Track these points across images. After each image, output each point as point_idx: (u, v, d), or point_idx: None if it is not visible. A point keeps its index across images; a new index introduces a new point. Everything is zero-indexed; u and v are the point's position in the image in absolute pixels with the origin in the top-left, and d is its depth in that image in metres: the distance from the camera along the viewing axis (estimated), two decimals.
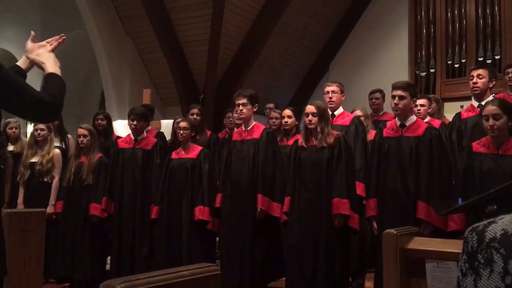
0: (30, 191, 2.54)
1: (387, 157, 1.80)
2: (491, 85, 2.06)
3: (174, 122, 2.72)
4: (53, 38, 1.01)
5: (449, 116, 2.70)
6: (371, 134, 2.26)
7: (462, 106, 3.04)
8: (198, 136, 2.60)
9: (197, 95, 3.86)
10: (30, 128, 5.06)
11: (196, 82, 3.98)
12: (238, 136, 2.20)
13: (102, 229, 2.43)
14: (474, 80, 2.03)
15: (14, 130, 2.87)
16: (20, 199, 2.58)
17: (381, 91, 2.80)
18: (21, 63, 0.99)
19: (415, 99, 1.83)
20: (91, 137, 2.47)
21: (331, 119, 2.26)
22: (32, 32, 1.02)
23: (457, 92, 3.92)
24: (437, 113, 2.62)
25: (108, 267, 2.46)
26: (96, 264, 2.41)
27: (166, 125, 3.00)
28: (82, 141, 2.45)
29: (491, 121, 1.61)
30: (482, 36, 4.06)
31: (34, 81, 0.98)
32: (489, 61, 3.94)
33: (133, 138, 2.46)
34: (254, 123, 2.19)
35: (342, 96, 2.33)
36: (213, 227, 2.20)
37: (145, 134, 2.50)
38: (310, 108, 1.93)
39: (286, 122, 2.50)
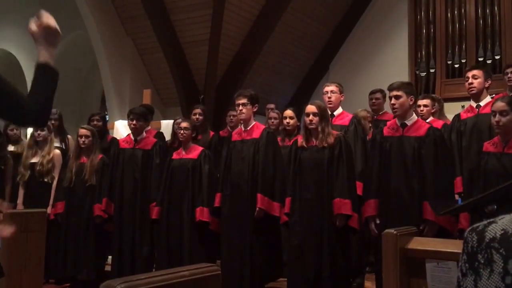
0: (30, 191, 2.54)
1: (388, 157, 1.80)
2: (486, 85, 2.08)
3: (174, 122, 2.72)
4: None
5: (448, 116, 2.70)
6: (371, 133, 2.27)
7: (463, 106, 3.05)
8: (200, 136, 2.59)
9: (197, 95, 3.86)
10: (30, 128, 5.04)
11: (196, 82, 3.97)
12: (238, 136, 2.20)
13: (104, 229, 2.42)
14: (470, 81, 2.05)
15: (14, 131, 2.88)
16: (19, 200, 2.58)
17: (381, 91, 2.80)
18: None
19: (412, 97, 1.82)
20: (93, 138, 2.47)
21: (330, 119, 2.29)
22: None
23: (457, 92, 3.92)
24: (439, 113, 2.63)
25: (108, 267, 2.46)
26: (99, 264, 2.42)
27: (166, 126, 3.00)
28: (84, 141, 2.44)
29: (497, 117, 1.62)
30: (482, 36, 4.06)
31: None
32: (489, 61, 3.95)
33: (133, 138, 2.46)
34: (254, 123, 2.19)
35: (341, 96, 2.33)
36: (215, 227, 2.20)
37: (144, 134, 2.49)
38: (310, 108, 1.93)
39: (288, 122, 2.49)
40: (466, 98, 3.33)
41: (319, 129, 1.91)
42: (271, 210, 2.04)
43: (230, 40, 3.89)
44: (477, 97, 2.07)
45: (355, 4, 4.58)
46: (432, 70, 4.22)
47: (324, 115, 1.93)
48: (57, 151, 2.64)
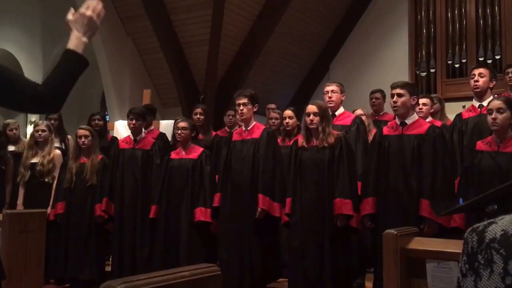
0: (31, 191, 2.53)
1: (387, 155, 1.79)
2: (491, 85, 2.07)
3: (174, 122, 2.73)
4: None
5: (449, 116, 2.69)
6: (372, 134, 2.26)
7: (464, 106, 3.04)
8: (202, 136, 2.58)
9: (197, 96, 3.87)
10: (30, 128, 5.05)
11: (196, 82, 3.97)
12: (238, 136, 2.19)
13: (105, 229, 2.42)
14: (476, 78, 2.04)
15: (14, 131, 2.87)
16: (19, 200, 2.58)
17: (381, 91, 2.80)
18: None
19: (414, 97, 1.83)
20: (92, 138, 2.46)
21: (331, 118, 2.28)
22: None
23: (458, 92, 3.92)
24: (440, 113, 2.62)
25: (109, 267, 2.46)
26: (101, 264, 2.42)
27: (165, 126, 2.99)
28: (83, 142, 2.44)
29: (493, 114, 1.63)
30: (482, 36, 4.06)
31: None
32: (489, 61, 3.94)
33: (132, 138, 2.46)
34: (254, 123, 2.19)
35: (342, 96, 2.32)
36: (215, 228, 2.20)
37: (143, 134, 2.49)
38: (311, 108, 1.93)
39: (287, 122, 2.49)
40: (467, 98, 3.33)
41: (320, 129, 1.91)
42: (272, 211, 2.03)
43: (230, 40, 3.88)
44: (480, 96, 2.06)
45: (355, 4, 4.57)
46: (432, 70, 4.21)
47: (324, 115, 1.93)
48: (58, 151, 2.64)
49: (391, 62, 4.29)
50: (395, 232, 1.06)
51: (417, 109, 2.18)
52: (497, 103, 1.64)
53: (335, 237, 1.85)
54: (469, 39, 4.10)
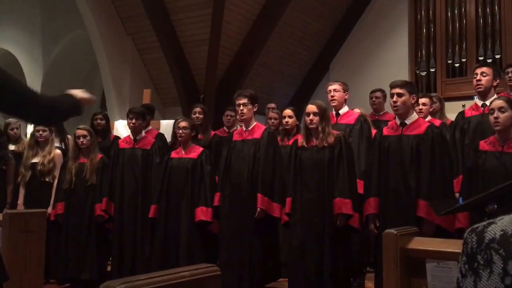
0: (31, 191, 2.53)
1: (387, 155, 1.79)
2: (495, 84, 2.05)
3: (175, 122, 2.73)
4: None
5: (449, 115, 2.69)
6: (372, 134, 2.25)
7: (464, 106, 3.04)
8: (201, 136, 2.58)
9: (197, 95, 3.86)
10: (30, 128, 5.05)
11: (196, 82, 3.97)
12: (239, 136, 2.19)
13: (105, 229, 2.43)
14: (478, 77, 2.02)
15: (15, 130, 2.87)
16: (20, 200, 2.58)
17: (382, 91, 2.79)
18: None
19: (414, 96, 1.82)
20: (91, 137, 2.46)
21: (335, 118, 2.25)
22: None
23: (458, 92, 3.92)
24: (440, 112, 2.62)
25: (109, 267, 2.46)
26: (101, 264, 2.42)
27: (165, 126, 2.99)
28: (82, 141, 2.44)
29: (495, 114, 1.63)
30: (482, 36, 4.05)
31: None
32: (489, 61, 3.92)
33: (132, 138, 2.46)
34: (255, 123, 2.18)
35: (346, 95, 2.31)
36: (215, 228, 2.19)
37: (143, 133, 2.49)
38: (311, 108, 1.92)
39: (287, 122, 2.49)
40: (467, 97, 3.33)
41: (320, 129, 1.91)
42: (270, 211, 2.03)
43: (230, 40, 3.88)
44: (484, 95, 2.04)
45: (355, 4, 4.56)
46: (432, 70, 4.20)
47: (324, 115, 1.93)
48: (58, 151, 2.64)
49: (391, 62, 4.29)
50: (395, 232, 1.06)
51: (417, 108, 2.17)
52: (499, 102, 1.64)
53: (334, 237, 1.85)
54: (469, 39, 4.09)
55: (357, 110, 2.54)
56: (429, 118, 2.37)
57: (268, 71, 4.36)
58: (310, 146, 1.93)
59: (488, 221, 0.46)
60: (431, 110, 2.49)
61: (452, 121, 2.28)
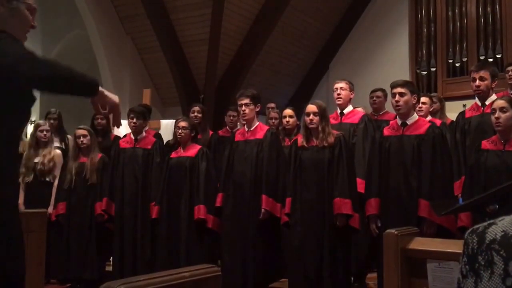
0: (32, 191, 2.53)
1: (388, 156, 1.79)
2: (493, 85, 2.05)
3: (176, 122, 2.73)
4: None
5: (450, 115, 2.69)
6: None
7: (464, 105, 3.03)
8: (200, 135, 2.58)
9: (197, 95, 3.86)
10: (30, 128, 5.04)
11: (196, 81, 3.97)
12: (241, 137, 2.19)
13: (106, 228, 2.43)
14: (477, 83, 2.02)
15: None
16: (20, 200, 2.58)
17: (383, 90, 2.78)
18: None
19: (415, 95, 1.82)
20: (91, 137, 2.47)
21: (340, 117, 2.24)
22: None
23: (459, 91, 3.91)
24: (440, 112, 2.62)
25: (110, 267, 2.46)
26: (102, 264, 2.42)
27: (166, 125, 2.99)
28: (82, 141, 2.44)
29: (497, 114, 1.64)
30: (483, 35, 4.04)
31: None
32: (490, 60, 3.92)
33: (133, 137, 2.46)
34: (257, 123, 2.18)
35: (351, 94, 2.30)
36: (213, 225, 2.19)
37: (144, 133, 2.50)
38: (311, 108, 1.93)
39: (287, 122, 2.49)
40: (468, 97, 3.32)
41: (320, 128, 1.91)
42: (275, 211, 2.03)
43: (230, 40, 3.87)
44: (483, 97, 2.05)
45: (355, 3, 4.56)
46: (433, 69, 4.20)
47: (324, 114, 1.93)
48: (58, 151, 2.65)
49: (391, 61, 4.28)
50: (396, 232, 1.05)
51: (416, 108, 2.19)
52: (500, 102, 1.65)
53: (334, 237, 1.85)
54: (469, 38, 4.08)
55: (359, 109, 2.54)
56: (429, 118, 2.38)
57: (268, 70, 4.36)
58: (310, 146, 1.94)
59: (488, 222, 0.46)
60: (431, 109, 2.50)
61: (453, 121, 2.28)
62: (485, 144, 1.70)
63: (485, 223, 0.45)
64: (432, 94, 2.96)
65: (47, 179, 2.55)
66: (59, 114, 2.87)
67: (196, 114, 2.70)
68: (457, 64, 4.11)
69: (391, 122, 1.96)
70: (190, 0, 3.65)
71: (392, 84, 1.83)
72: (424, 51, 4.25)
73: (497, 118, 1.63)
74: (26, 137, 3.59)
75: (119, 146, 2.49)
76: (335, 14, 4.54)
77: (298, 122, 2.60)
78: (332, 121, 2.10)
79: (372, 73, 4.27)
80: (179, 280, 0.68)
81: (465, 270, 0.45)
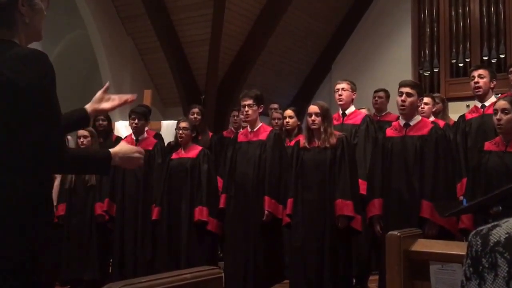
0: None
1: (390, 156, 1.79)
2: (492, 85, 2.06)
3: (177, 123, 2.72)
4: (125, 96, 1.00)
5: (453, 116, 2.67)
6: None
7: (468, 106, 3.01)
8: (200, 137, 2.60)
9: (198, 96, 3.85)
10: None
11: (197, 82, 3.96)
12: (244, 137, 2.19)
13: (106, 229, 2.43)
14: (476, 80, 2.03)
15: None
16: None
17: (385, 91, 2.78)
18: (88, 106, 0.98)
19: (421, 98, 1.82)
20: (92, 138, 2.47)
21: (341, 118, 2.24)
22: (107, 83, 1.02)
23: (462, 92, 3.88)
24: (442, 113, 2.61)
25: (111, 268, 2.46)
26: (102, 265, 2.42)
27: (167, 126, 2.99)
28: (82, 142, 2.45)
29: (499, 115, 1.63)
30: (487, 35, 4.03)
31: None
32: (493, 60, 3.91)
33: (134, 138, 2.47)
34: (260, 124, 2.18)
35: (353, 94, 2.30)
36: (213, 228, 2.19)
37: (145, 134, 2.50)
38: (313, 108, 1.92)
39: (287, 122, 2.50)
40: (471, 98, 3.28)
41: (322, 129, 1.90)
42: (277, 213, 2.03)
43: (231, 40, 3.87)
44: (482, 97, 2.05)
45: (357, 3, 4.54)
46: (436, 70, 4.19)
47: (326, 115, 1.92)
48: None
49: (394, 62, 4.26)
50: (398, 234, 1.04)
51: (419, 108, 2.17)
52: (502, 103, 1.64)
53: (336, 238, 1.85)
54: (473, 38, 4.07)
55: (364, 110, 2.53)
56: (432, 118, 2.37)
57: (270, 71, 4.34)
58: (312, 147, 1.93)
59: (492, 224, 0.46)
60: (433, 110, 2.48)
61: (454, 123, 2.28)
62: (488, 145, 1.70)
63: (489, 225, 0.45)
64: (435, 95, 2.95)
65: None
66: None
67: (195, 115, 2.71)
68: (460, 65, 4.09)
69: (393, 123, 1.95)
70: (191, 0, 3.64)
71: (402, 83, 1.81)
72: (427, 52, 4.23)
73: (498, 120, 1.62)
74: None
75: None
76: (337, 14, 4.52)
77: (298, 123, 2.59)
78: (334, 122, 2.10)
79: (375, 73, 4.25)
80: (180, 282, 0.68)
81: (469, 272, 0.45)
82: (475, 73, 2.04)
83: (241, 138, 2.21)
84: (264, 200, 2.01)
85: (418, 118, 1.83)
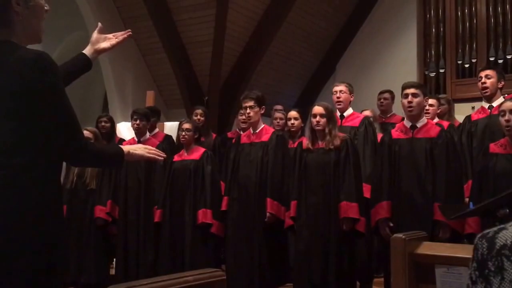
0: None
1: (398, 159, 1.77)
2: (500, 86, 2.05)
3: (179, 124, 2.73)
4: (120, 32, 1.02)
5: (458, 117, 2.64)
6: (378, 137, 2.22)
7: (473, 107, 2.99)
8: (203, 138, 2.59)
9: (201, 97, 3.82)
10: None
11: (200, 83, 3.93)
12: (247, 139, 2.18)
13: (107, 232, 2.42)
14: (483, 80, 2.03)
15: None
16: None
17: (390, 92, 2.77)
18: (87, 51, 1.00)
19: (427, 98, 1.82)
20: (95, 140, 2.47)
21: (340, 120, 2.24)
22: (100, 24, 1.04)
23: (468, 93, 3.84)
24: (448, 114, 2.58)
25: (113, 271, 2.46)
26: (101, 267, 2.41)
27: (170, 128, 3.00)
28: None
29: (507, 116, 1.60)
30: (493, 35, 3.97)
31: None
32: (500, 61, 3.87)
33: (136, 140, 2.46)
34: (262, 125, 2.17)
35: (351, 97, 2.30)
36: (217, 230, 2.18)
37: (148, 135, 2.49)
38: (318, 109, 1.91)
39: (293, 124, 2.48)
40: (477, 99, 3.25)
41: (326, 131, 1.89)
42: (280, 215, 2.01)
43: (235, 41, 3.85)
44: (490, 98, 2.05)
45: (362, 3, 4.51)
46: (441, 70, 4.13)
47: (331, 116, 1.91)
48: None
49: (399, 62, 4.22)
50: (403, 237, 1.03)
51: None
52: (510, 104, 1.62)
53: (340, 241, 1.83)
54: (479, 39, 4.01)
55: (367, 112, 2.52)
56: (436, 120, 2.35)
57: (273, 72, 4.32)
58: (316, 149, 1.92)
59: (499, 227, 0.45)
60: (438, 111, 2.46)
61: (459, 125, 2.26)
62: (494, 147, 1.67)
63: (495, 228, 0.45)
64: (441, 96, 2.93)
65: None
66: None
67: (199, 117, 2.69)
68: (467, 65, 4.04)
69: (397, 124, 1.94)
70: (194, 0, 3.61)
71: (405, 85, 1.80)
72: (433, 52, 4.18)
73: (507, 121, 1.59)
74: None
75: None
76: (341, 14, 4.49)
77: (302, 125, 2.58)
78: None
79: (380, 74, 4.22)
80: (183, 284, 0.68)
81: (475, 276, 0.44)
82: (482, 74, 2.04)
83: (243, 139, 2.20)
84: (266, 202, 2.00)
85: (424, 120, 1.82)
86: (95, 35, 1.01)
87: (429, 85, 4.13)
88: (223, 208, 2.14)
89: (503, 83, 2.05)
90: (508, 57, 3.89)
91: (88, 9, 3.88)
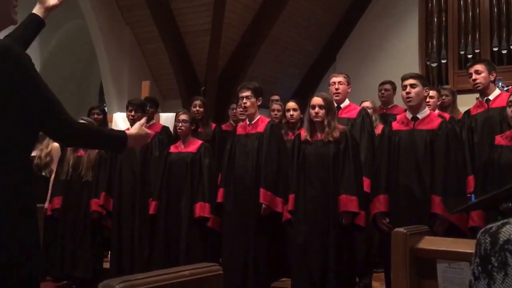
0: None
1: (398, 151, 1.74)
2: (492, 78, 2.03)
3: (176, 115, 2.67)
4: None
5: (461, 108, 2.60)
6: (378, 129, 2.20)
7: (477, 98, 2.95)
8: (201, 129, 2.53)
9: (198, 87, 3.78)
10: None
11: (197, 73, 3.89)
12: (242, 130, 2.15)
13: (101, 225, 2.40)
14: (474, 77, 2.02)
15: None
16: None
17: (392, 83, 2.73)
18: (37, 11, 1.00)
19: (426, 88, 1.79)
20: None
21: (336, 111, 2.22)
22: None
23: (471, 84, 3.79)
24: (452, 106, 2.55)
25: (107, 264, 2.43)
26: (96, 261, 2.39)
27: (165, 119, 2.94)
28: None
29: None
30: (497, 25, 3.92)
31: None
32: (504, 51, 3.84)
33: None
34: (259, 116, 2.14)
35: (348, 88, 2.28)
36: (213, 224, 2.16)
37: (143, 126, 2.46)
38: (317, 100, 1.87)
39: (291, 115, 2.43)
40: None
41: (325, 122, 1.85)
42: (274, 206, 1.99)
43: (233, 30, 3.80)
44: (484, 91, 2.03)
45: None
46: (443, 61, 4.09)
47: (330, 108, 1.87)
48: (56, 144, 2.63)
49: (400, 53, 4.16)
50: (404, 231, 1.01)
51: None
52: None
53: (339, 235, 1.81)
54: (482, 28, 3.96)
55: (366, 103, 2.48)
56: (437, 111, 2.32)
57: (272, 62, 4.27)
58: (314, 141, 1.89)
59: (502, 221, 0.44)
60: (440, 103, 2.43)
61: (460, 119, 2.25)
62: (499, 139, 1.65)
63: (499, 223, 0.44)
64: (445, 87, 2.89)
65: (43, 173, 2.53)
66: None
67: (197, 108, 2.63)
68: (469, 56, 3.97)
69: (398, 116, 1.90)
70: None
71: (403, 77, 1.79)
72: (435, 42, 4.12)
73: None
74: None
75: None
76: (342, 3, 4.43)
77: (302, 116, 2.54)
78: None
79: (381, 64, 4.17)
80: (179, 279, 0.66)
81: (477, 271, 0.43)
82: (471, 70, 2.03)
83: (239, 131, 2.17)
84: (259, 192, 1.97)
85: (426, 111, 1.79)
86: None
87: (431, 75, 4.09)
88: (219, 200, 2.12)
89: (494, 74, 2.03)
90: None
91: None
